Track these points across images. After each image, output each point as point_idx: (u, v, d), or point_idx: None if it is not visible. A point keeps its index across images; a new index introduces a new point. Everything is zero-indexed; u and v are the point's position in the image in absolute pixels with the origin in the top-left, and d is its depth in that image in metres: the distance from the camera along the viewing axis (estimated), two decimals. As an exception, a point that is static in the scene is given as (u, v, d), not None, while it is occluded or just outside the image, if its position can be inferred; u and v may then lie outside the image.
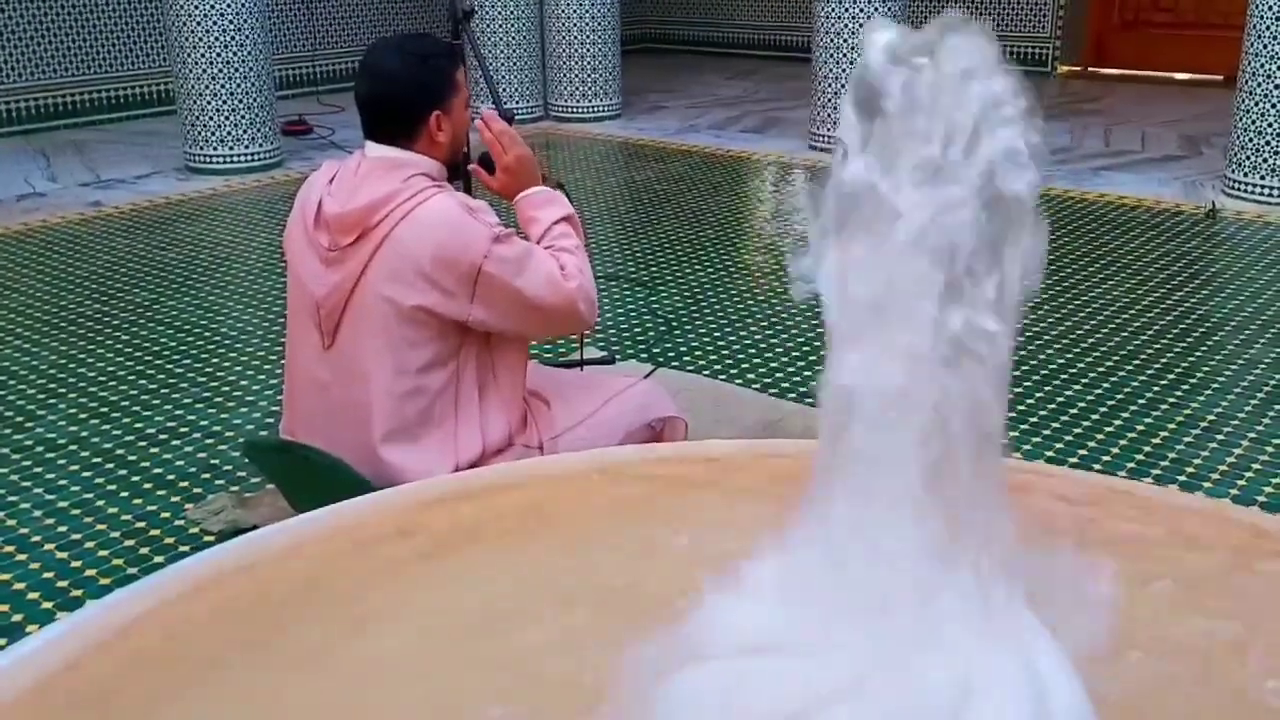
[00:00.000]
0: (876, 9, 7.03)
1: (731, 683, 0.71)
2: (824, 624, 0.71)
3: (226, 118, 6.83)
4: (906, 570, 0.70)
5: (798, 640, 0.70)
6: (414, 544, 1.22)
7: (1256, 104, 5.87)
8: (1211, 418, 3.57)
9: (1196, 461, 3.31)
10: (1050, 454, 3.34)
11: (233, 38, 6.73)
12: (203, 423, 3.64)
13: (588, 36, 8.44)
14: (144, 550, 2.92)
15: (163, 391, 3.88)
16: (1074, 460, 3.30)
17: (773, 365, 4.04)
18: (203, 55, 6.72)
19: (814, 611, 0.72)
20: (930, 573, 0.71)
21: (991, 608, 0.71)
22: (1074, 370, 3.94)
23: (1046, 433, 3.48)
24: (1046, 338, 4.19)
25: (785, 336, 4.29)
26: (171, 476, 3.30)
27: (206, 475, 3.30)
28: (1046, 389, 3.78)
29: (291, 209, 2.27)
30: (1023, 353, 4.07)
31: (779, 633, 0.71)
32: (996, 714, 0.65)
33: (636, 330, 4.39)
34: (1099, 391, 3.77)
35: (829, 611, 0.71)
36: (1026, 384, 3.82)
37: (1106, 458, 3.34)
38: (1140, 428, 3.51)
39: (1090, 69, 10.23)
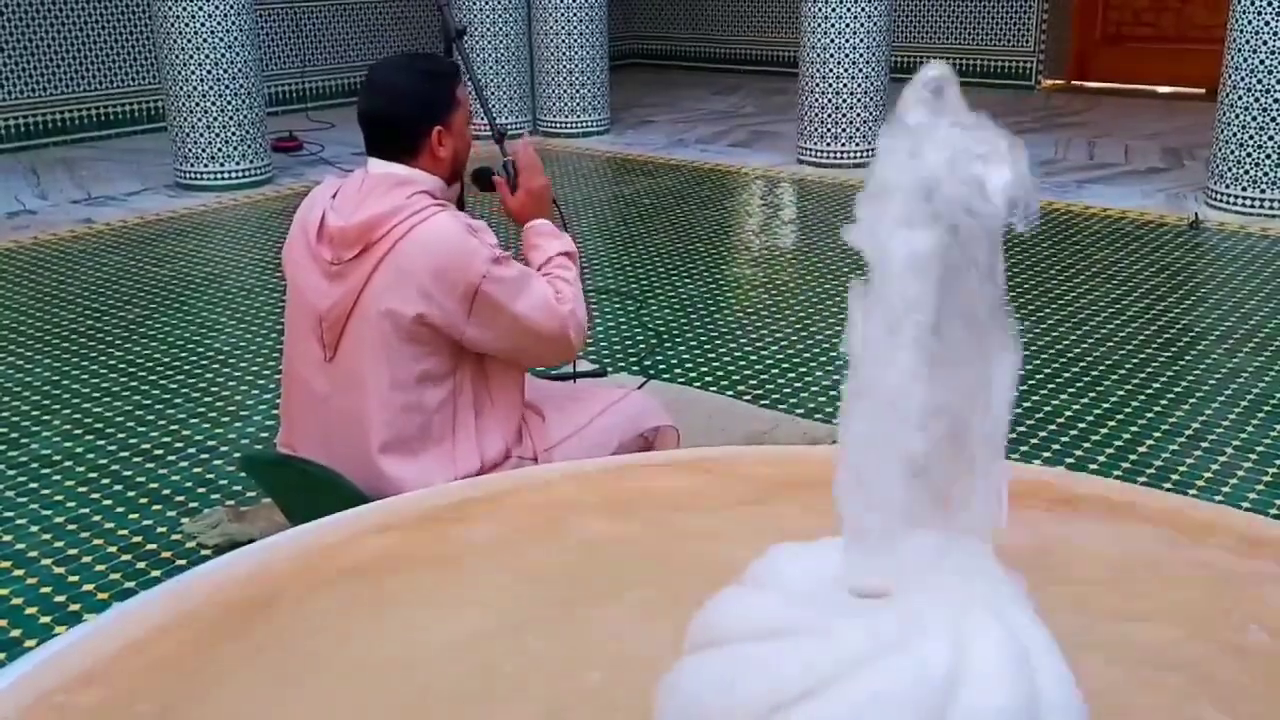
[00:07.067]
0: (863, 25, 7.10)
1: (731, 669, 0.74)
2: (821, 610, 0.74)
3: (217, 134, 6.85)
4: (900, 554, 0.74)
5: (796, 625, 0.74)
6: (416, 548, 1.24)
7: (1237, 116, 5.94)
8: (1196, 426, 3.62)
9: (1181, 469, 3.35)
10: (1036, 463, 3.37)
11: (223, 55, 6.75)
12: (198, 437, 3.66)
13: (576, 52, 8.50)
14: (141, 565, 2.94)
15: (157, 407, 3.90)
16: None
17: (763, 377, 4.07)
18: (193, 72, 6.75)
19: (811, 598, 0.75)
20: (922, 555, 0.75)
21: (982, 590, 0.74)
22: (1059, 380, 3.99)
23: (1034, 441, 3.52)
24: (1033, 348, 4.23)
25: (775, 348, 4.33)
26: (167, 491, 3.32)
27: (202, 489, 3.32)
28: (1033, 399, 3.83)
29: (285, 224, 2.30)
30: (1009, 363, 4.11)
31: (778, 619, 0.75)
32: (988, 695, 0.69)
33: (628, 343, 4.43)
34: (1084, 401, 3.82)
35: (826, 597, 0.75)
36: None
37: (1093, 466, 3.38)
38: (1126, 436, 3.56)
39: (1073, 83, 10.32)
